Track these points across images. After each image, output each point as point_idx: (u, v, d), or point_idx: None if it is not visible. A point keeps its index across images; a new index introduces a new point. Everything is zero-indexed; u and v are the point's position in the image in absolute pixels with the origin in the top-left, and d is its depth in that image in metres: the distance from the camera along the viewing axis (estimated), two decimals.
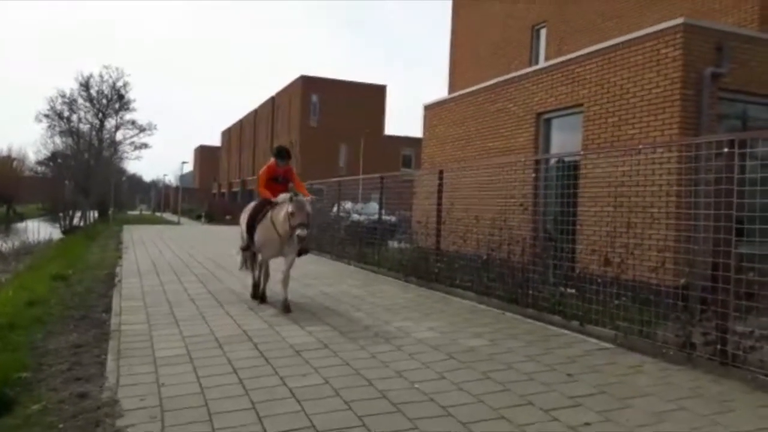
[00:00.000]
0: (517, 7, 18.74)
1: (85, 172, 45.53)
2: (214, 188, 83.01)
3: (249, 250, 8.49)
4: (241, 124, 74.92)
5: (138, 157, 62.45)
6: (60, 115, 50.58)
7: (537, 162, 9.47)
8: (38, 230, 36.10)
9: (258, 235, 7.82)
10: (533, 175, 9.16)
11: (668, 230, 7.14)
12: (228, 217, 42.97)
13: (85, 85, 51.33)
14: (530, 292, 7.68)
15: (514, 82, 11.54)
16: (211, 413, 3.94)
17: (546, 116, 10.68)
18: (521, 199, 8.97)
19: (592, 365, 5.33)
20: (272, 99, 60.66)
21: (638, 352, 5.77)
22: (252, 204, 8.60)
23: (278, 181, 8.08)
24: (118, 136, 54.87)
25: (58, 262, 13.80)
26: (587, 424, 3.89)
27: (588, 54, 9.62)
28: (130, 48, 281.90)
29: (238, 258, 9.41)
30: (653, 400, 4.40)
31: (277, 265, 8.19)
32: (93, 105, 52.01)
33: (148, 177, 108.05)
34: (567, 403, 4.28)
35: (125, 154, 56.65)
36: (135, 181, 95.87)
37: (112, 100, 52.76)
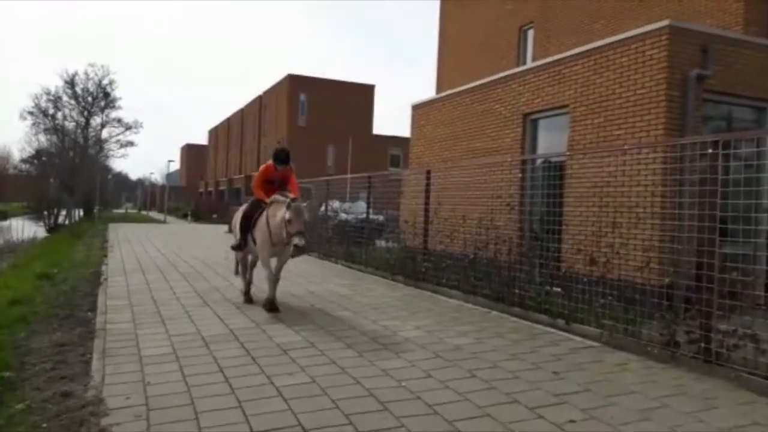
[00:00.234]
0: (504, 8, 18.82)
1: (70, 170, 45.21)
2: (200, 187, 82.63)
3: (241, 250, 8.16)
4: (228, 123, 74.62)
5: (124, 156, 62.49)
6: (45, 113, 50.26)
7: (523, 162, 9.53)
8: (22, 228, 35.75)
9: (257, 234, 7.55)
10: (520, 175, 9.21)
11: (653, 230, 7.22)
12: (214, 216, 42.81)
13: (71, 83, 51.03)
14: (516, 291, 7.72)
15: (501, 82, 11.59)
16: (198, 412, 3.93)
17: (532, 117, 10.73)
18: (508, 199, 9.02)
19: (577, 363, 5.37)
20: (259, 98, 60.46)
21: (623, 350, 5.82)
22: (245, 204, 8.38)
23: (274, 185, 7.69)
24: (104, 134, 54.61)
25: (43, 261, 13.68)
26: (572, 421, 3.92)
27: (574, 55, 9.68)
28: (114, 46, 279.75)
29: (232, 265, 9.24)
30: (638, 397, 4.45)
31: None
32: (78, 103, 51.72)
33: (134, 175, 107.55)
34: (552, 401, 4.31)
35: (111, 152, 56.42)
36: (121, 179, 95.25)
37: (97, 98, 52.49)
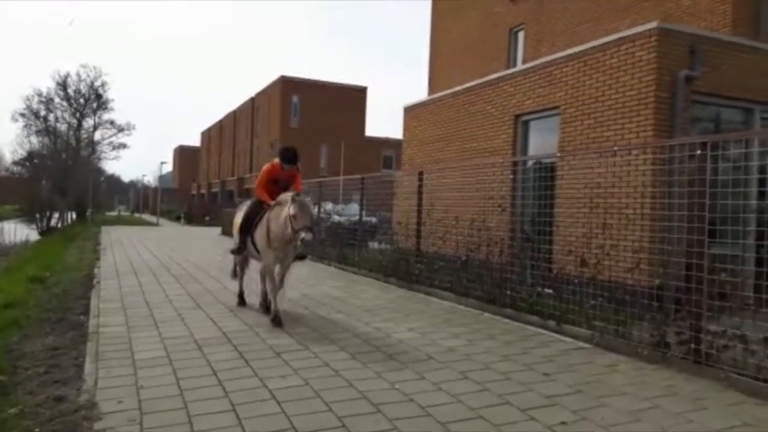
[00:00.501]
0: (495, 10, 18.90)
1: (62, 173, 45.01)
2: (193, 189, 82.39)
3: (240, 254, 7.85)
4: (220, 125, 74.47)
5: (116, 158, 62.46)
6: (36, 115, 50.05)
7: (515, 164, 9.58)
8: (14, 231, 35.55)
9: (258, 239, 7.17)
10: (511, 176, 9.26)
11: (643, 231, 7.28)
12: (207, 218, 42.70)
13: (63, 84, 50.85)
14: (508, 292, 7.76)
15: (492, 84, 11.64)
16: (191, 415, 3.94)
17: (523, 118, 10.78)
18: (499, 200, 9.07)
19: (568, 365, 5.41)
20: (252, 100, 60.38)
21: (614, 351, 5.87)
22: (246, 204, 7.96)
23: (279, 185, 7.28)
24: (96, 135, 54.43)
25: (35, 264, 13.61)
26: (563, 423, 3.95)
27: (564, 57, 9.74)
28: (106, 48, 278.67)
29: (229, 267, 8.85)
30: (628, 398, 4.49)
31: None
32: (70, 104, 51.54)
33: (126, 177, 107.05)
34: (544, 403, 4.34)
35: (103, 154, 56.25)
36: (113, 181, 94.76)
37: (89, 100, 52.32)
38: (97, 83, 51.96)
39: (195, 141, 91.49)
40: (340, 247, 13.56)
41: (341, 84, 54.24)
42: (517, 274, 7.92)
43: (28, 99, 49.83)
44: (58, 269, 12.33)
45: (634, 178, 7.70)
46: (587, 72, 9.19)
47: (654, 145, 7.56)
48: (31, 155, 51.75)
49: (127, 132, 55.02)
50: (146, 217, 60.52)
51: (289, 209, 6.55)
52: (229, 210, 29.59)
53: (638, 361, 5.55)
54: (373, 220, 14.22)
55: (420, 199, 10.49)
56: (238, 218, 7.75)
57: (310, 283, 10.36)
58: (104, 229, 29.98)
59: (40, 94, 50.02)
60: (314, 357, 5.44)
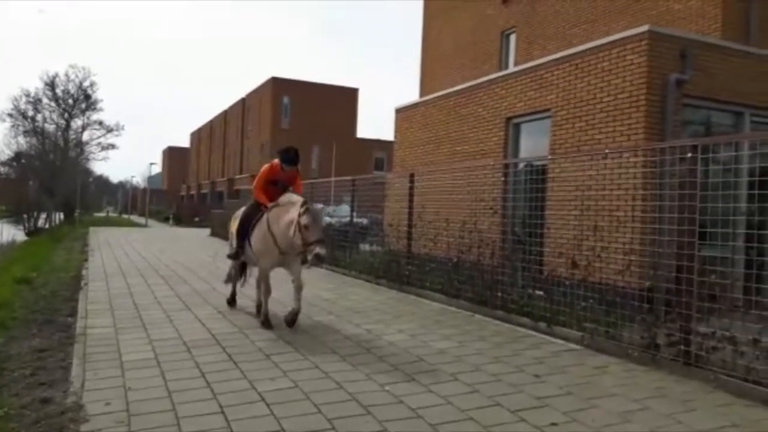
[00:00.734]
0: (487, 12, 18.94)
1: (50, 173, 44.68)
2: (182, 190, 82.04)
3: (238, 259, 7.51)
4: (211, 126, 74.22)
5: (105, 158, 62.08)
6: (24, 115, 49.71)
7: (506, 166, 9.58)
8: (1, 232, 35.20)
9: (255, 240, 6.82)
10: (502, 178, 9.26)
11: (634, 233, 7.29)
12: (197, 219, 42.54)
13: (51, 85, 50.55)
14: (499, 294, 7.76)
15: (484, 86, 11.65)
16: (179, 417, 3.90)
17: (515, 120, 10.80)
18: (491, 202, 9.07)
19: (559, 366, 5.41)
20: (242, 100, 60.23)
21: (604, 353, 5.88)
22: (242, 208, 7.55)
23: (278, 186, 6.98)
24: (85, 136, 54.15)
25: (22, 265, 13.48)
26: (554, 424, 3.94)
27: (556, 60, 9.77)
28: (97, 48, 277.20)
29: (224, 265, 8.46)
30: (618, 400, 4.49)
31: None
32: (59, 105, 51.23)
33: (115, 178, 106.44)
34: (534, 404, 4.33)
35: (92, 155, 55.96)
36: (102, 182, 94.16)
37: (78, 100, 52.03)
38: (86, 83, 51.73)
39: (184, 142, 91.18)
40: (331, 248, 13.48)
41: (332, 85, 54.26)
42: (508, 276, 7.92)
43: (16, 99, 49.57)
44: (46, 270, 12.22)
45: (625, 180, 7.72)
46: (578, 75, 9.22)
47: (645, 148, 7.58)
48: (18, 156, 51.34)
49: (116, 133, 54.76)
50: (135, 218, 60.20)
51: (302, 219, 6.13)
52: (219, 211, 29.54)
53: (628, 363, 5.55)
54: (364, 221, 14.19)
55: (411, 200, 10.48)
56: (235, 222, 7.43)
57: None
58: (92, 230, 29.76)
59: (28, 95, 49.78)
60: (304, 359, 5.40)
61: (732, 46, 9.25)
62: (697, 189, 5.41)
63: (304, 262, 6.73)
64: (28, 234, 37.33)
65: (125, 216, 67.16)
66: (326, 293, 9.48)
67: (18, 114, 49.45)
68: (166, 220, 49.38)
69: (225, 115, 67.03)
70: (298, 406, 4.16)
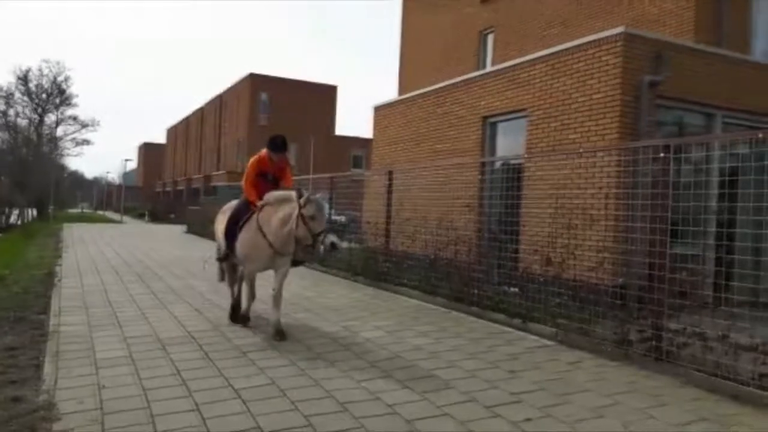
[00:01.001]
0: (465, 12, 19.03)
1: (22, 169, 43.79)
2: (158, 186, 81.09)
3: (228, 261, 6.99)
4: (187, 122, 73.43)
5: (79, 154, 60.96)
6: None
7: (482, 165, 9.66)
8: None
9: (242, 244, 6.31)
10: (479, 177, 9.33)
11: (607, 231, 7.41)
12: (172, 216, 42.13)
13: (24, 79, 49.63)
14: (475, 291, 7.82)
15: (462, 85, 11.72)
16: (154, 415, 3.87)
17: (492, 120, 10.89)
18: (467, 200, 9.13)
19: (533, 362, 5.48)
20: (219, 97, 59.68)
21: (578, 348, 5.96)
22: (231, 204, 7.03)
23: (268, 179, 6.58)
24: (59, 131, 53.28)
25: None
26: (528, 419, 4.00)
27: (532, 60, 9.86)
28: (69, 42, 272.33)
29: (213, 268, 7.66)
30: (591, 395, 4.56)
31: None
32: (32, 99, 50.34)
33: (90, 174, 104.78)
34: (509, 400, 4.39)
35: (66, 151, 55.05)
36: (76, 178, 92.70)
37: (52, 95, 51.18)
38: (60, 78, 50.89)
39: (161, 138, 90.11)
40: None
41: (311, 82, 53.92)
42: (483, 273, 7.99)
43: None
44: (18, 267, 12.00)
45: (599, 179, 7.84)
46: (554, 75, 9.32)
47: (618, 148, 7.70)
48: None
49: (90, 128, 54.07)
50: (110, 214, 59.39)
51: (305, 210, 5.82)
52: (195, 208, 29.29)
53: (601, 358, 5.64)
54: (343, 219, 14.19)
55: (389, 198, 10.51)
56: (222, 221, 6.88)
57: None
58: (66, 226, 29.32)
59: None
60: (280, 356, 5.39)
61: (704, 48, 9.44)
62: (669, 188, 5.51)
63: (296, 264, 6.65)
64: None
65: (100, 212, 66.18)
66: (304, 290, 9.46)
67: None
68: (141, 216, 48.78)
69: (202, 111, 66.36)
70: (274, 403, 4.16)
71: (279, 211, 6.09)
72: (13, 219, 40.99)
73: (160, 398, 4.18)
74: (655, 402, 4.46)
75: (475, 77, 11.50)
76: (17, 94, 49.69)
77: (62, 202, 61.05)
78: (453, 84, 12.06)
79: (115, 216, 50.25)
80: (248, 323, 6.62)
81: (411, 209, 10.31)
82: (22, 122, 50.45)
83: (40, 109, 50.94)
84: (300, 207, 5.88)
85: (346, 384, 4.63)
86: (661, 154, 5.59)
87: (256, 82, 51.22)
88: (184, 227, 28.17)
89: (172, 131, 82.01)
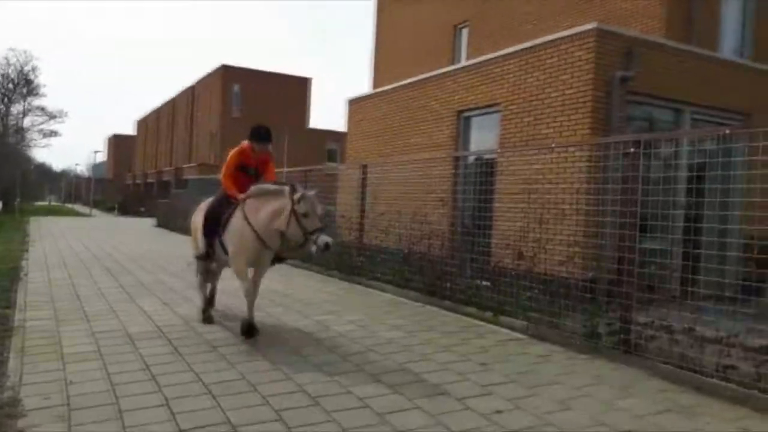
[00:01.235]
0: (440, 6, 19.03)
1: None
2: (128, 179, 79.85)
3: (208, 260, 6.45)
4: (158, 114, 72.33)
5: (47, 145, 59.80)
6: None
7: (456, 159, 9.69)
8: None
9: (230, 240, 5.88)
10: (452, 171, 9.36)
11: (578, 226, 7.50)
12: (142, 209, 41.59)
13: None
14: (448, 285, 7.87)
15: (436, 80, 11.73)
16: (122, 410, 3.81)
17: (466, 114, 10.92)
18: (441, 194, 9.16)
19: (504, 355, 5.53)
20: (191, 88, 58.89)
21: (548, 341, 6.03)
22: (209, 200, 6.54)
23: (249, 173, 6.17)
24: (26, 122, 52.05)
25: None
26: (498, 411, 4.03)
27: (506, 55, 9.91)
28: (38, 33, 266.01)
29: (193, 268, 7.12)
30: (560, 387, 4.62)
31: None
32: None
33: (58, 167, 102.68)
34: (480, 392, 4.42)
35: (33, 142, 53.82)
36: (44, 170, 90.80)
37: (18, 85, 49.91)
38: (27, 68, 49.66)
39: (131, 130, 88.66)
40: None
41: (285, 74, 53.48)
42: (456, 267, 8.03)
43: None
44: None
45: (570, 174, 7.92)
46: (528, 70, 9.38)
47: (589, 143, 7.79)
48: None
49: (59, 119, 52.89)
50: (78, 207, 58.32)
51: (298, 207, 5.43)
52: (165, 201, 28.92)
53: (571, 351, 5.71)
54: None
55: (363, 192, 10.49)
56: (199, 217, 6.48)
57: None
58: (33, 219, 28.71)
59: None
60: (251, 350, 5.36)
61: (675, 45, 9.58)
62: (639, 183, 5.59)
63: (278, 261, 6.28)
64: None
65: (68, 205, 64.93)
66: (276, 285, 9.39)
67: None
68: (110, 209, 48.07)
69: (173, 103, 65.43)
70: (244, 398, 4.13)
71: (268, 204, 5.66)
72: None
73: (129, 393, 4.12)
74: (623, 394, 4.54)
75: (449, 71, 11.53)
76: None
77: (29, 195, 59.75)
78: (427, 78, 12.07)
79: (84, 209, 49.37)
80: (255, 332, 5.79)
81: (385, 203, 10.31)
82: None
83: (6, 99, 49.72)
84: (293, 203, 5.47)
85: (318, 378, 4.62)
86: (631, 150, 5.67)
87: (228, 73, 50.63)
88: (154, 221, 27.80)
89: (143, 123, 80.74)
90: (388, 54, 21.61)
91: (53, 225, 24.24)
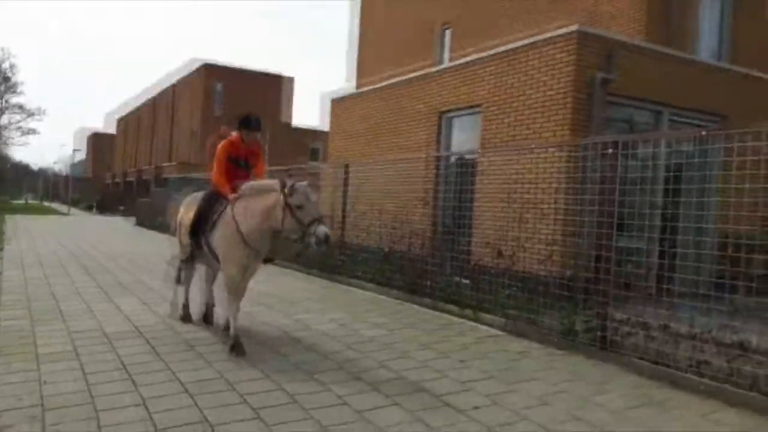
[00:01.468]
0: (423, 7, 19.06)
1: None
2: (107, 178, 78.92)
3: (193, 261, 6.22)
4: (138, 112, 71.59)
5: (25, 144, 58.98)
6: None
7: (437, 159, 9.72)
8: None
9: (219, 244, 5.51)
10: (434, 171, 9.39)
11: (556, 225, 7.57)
12: (122, 208, 41.20)
13: None
14: (428, 283, 7.89)
15: (418, 80, 11.76)
16: (98, 410, 3.77)
17: (448, 115, 10.96)
18: (422, 194, 9.19)
19: (483, 352, 5.57)
20: (172, 87, 58.38)
21: (526, 338, 6.09)
22: (196, 196, 6.24)
23: (240, 165, 5.83)
24: (3, 120, 51.34)
25: None
26: (476, 407, 4.06)
27: (488, 56, 9.95)
28: (15, 29, 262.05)
29: (170, 270, 6.90)
30: (538, 383, 4.66)
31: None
32: None
33: (36, 165, 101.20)
34: (458, 389, 4.45)
35: (10, 140, 53.08)
36: (21, 168, 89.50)
37: None
38: (5, 65, 49.05)
39: (111, 128, 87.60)
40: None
41: (268, 72, 53.19)
42: (437, 265, 8.06)
43: None
44: None
45: (550, 174, 7.98)
46: (509, 71, 9.43)
47: (568, 144, 7.85)
48: None
49: (37, 117, 52.36)
50: (57, 206, 57.56)
51: (292, 200, 5.04)
52: (145, 200, 28.64)
53: (549, 348, 5.77)
54: None
55: (345, 191, 10.48)
56: (187, 215, 6.06)
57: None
58: (9, 218, 28.22)
59: None
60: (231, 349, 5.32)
61: (654, 48, 9.68)
62: (617, 184, 5.66)
63: (265, 261, 5.89)
64: None
65: (46, 204, 64.05)
66: (257, 283, 9.27)
67: None
68: (89, 208, 47.49)
69: (154, 101, 64.80)
70: (222, 396, 4.11)
71: (258, 203, 5.28)
72: None
73: (105, 393, 4.08)
74: (600, 389, 4.59)
75: (432, 72, 11.56)
76: None
77: (6, 193, 58.86)
78: (410, 79, 12.09)
79: (62, 208, 48.68)
80: (243, 351, 5.20)
81: (367, 203, 10.31)
82: None
83: None
84: (285, 196, 5.09)
85: (297, 376, 4.61)
86: (609, 150, 5.73)
87: (210, 71, 50.26)
88: (133, 219, 27.53)
89: (123, 121, 79.86)
90: (372, 54, 21.60)
91: (30, 223, 23.89)
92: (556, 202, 7.70)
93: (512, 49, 9.48)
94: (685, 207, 7.72)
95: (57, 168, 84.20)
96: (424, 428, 3.70)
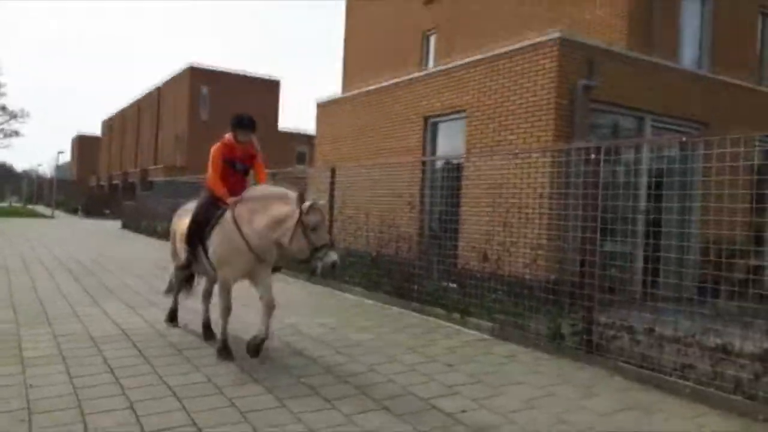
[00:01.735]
0: (409, 12, 19.15)
1: None
2: (93, 181, 78.24)
3: (188, 269, 5.87)
4: (123, 115, 71.08)
5: (8, 146, 58.25)
6: None
7: (423, 164, 9.78)
8: None
9: (216, 247, 5.21)
10: (420, 176, 9.45)
11: (541, 229, 7.64)
12: (107, 211, 40.88)
13: None
14: (415, 287, 7.93)
15: (404, 85, 11.81)
16: (85, 414, 3.77)
17: (433, 119, 11.02)
18: (409, 198, 9.24)
19: (470, 355, 5.62)
20: (158, 89, 58.03)
21: (513, 342, 6.14)
22: (191, 205, 5.94)
23: (236, 168, 5.57)
24: None
25: None
26: (463, 411, 4.10)
27: (472, 62, 10.03)
28: (15, 28, 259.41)
29: (169, 272, 6.70)
30: (525, 387, 4.71)
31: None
32: None
33: (20, 167, 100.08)
34: (445, 392, 4.49)
35: None
36: (5, 171, 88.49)
37: None
38: None
39: (96, 130, 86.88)
40: None
41: (254, 76, 53.05)
42: (424, 269, 8.11)
43: None
44: None
45: (534, 179, 8.06)
46: (493, 77, 9.51)
47: (553, 149, 7.93)
48: None
49: (20, 119, 51.68)
50: (41, 209, 56.95)
51: (308, 219, 4.74)
52: (131, 203, 28.44)
53: (535, 352, 5.83)
54: None
55: (332, 195, 10.50)
56: (182, 222, 5.77)
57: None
58: None
59: None
60: (217, 353, 5.32)
61: (635, 55, 9.82)
62: (599, 189, 5.73)
63: (275, 269, 5.65)
64: None
65: (30, 207, 63.33)
66: (243, 289, 9.32)
67: None
68: (74, 211, 47.01)
69: (139, 104, 64.37)
70: (211, 400, 4.12)
71: (268, 210, 4.98)
72: None
73: (92, 396, 4.07)
74: (586, 393, 4.65)
75: (417, 77, 11.62)
76: None
77: None
78: (396, 83, 12.14)
79: (47, 210, 48.20)
80: (231, 356, 5.16)
81: (354, 207, 10.34)
82: None
83: None
84: (301, 213, 4.77)
85: (285, 380, 4.62)
86: (593, 156, 5.81)
87: (196, 74, 50.01)
88: (119, 223, 27.33)
89: (108, 124, 79.23)
90: (358, 58, 21.64)
91: (13, 227, 23.64)
92: (540, 207, 7.78)
93: (496, 55, 9.56)
94: (667, 212, 7.86)
95: (42, 170, 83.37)
96: None
